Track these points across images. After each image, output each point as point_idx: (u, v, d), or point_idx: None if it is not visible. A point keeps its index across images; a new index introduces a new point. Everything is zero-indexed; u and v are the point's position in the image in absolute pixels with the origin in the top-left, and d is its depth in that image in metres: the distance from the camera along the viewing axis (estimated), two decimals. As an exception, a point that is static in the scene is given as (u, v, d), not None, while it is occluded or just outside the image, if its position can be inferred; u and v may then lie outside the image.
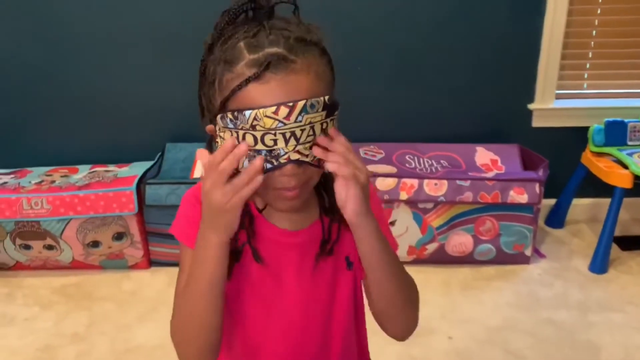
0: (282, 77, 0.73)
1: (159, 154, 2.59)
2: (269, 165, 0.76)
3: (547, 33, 2.51)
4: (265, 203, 0.87)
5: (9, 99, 2.61)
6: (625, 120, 2.47)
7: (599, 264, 2.36)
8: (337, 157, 0.76)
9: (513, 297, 2.22)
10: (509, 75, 2.61)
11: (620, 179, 2.28)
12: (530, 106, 2.63)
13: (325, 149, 0.76)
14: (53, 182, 2.41)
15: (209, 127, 0.82)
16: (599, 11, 2.54)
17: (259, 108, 0.72)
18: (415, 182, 2.28)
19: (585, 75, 2.66)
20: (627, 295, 2.22)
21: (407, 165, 2.44)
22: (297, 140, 0.74)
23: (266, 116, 0.72)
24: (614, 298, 2.20)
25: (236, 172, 0.76)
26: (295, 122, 0.73)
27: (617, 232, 2.40)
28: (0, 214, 2.28)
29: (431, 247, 2.37)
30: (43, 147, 2.68)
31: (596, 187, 2.49)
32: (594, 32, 2.57)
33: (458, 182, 2.27)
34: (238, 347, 0.94)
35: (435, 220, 2.32)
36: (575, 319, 2.07)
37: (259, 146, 0.74)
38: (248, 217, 0.87)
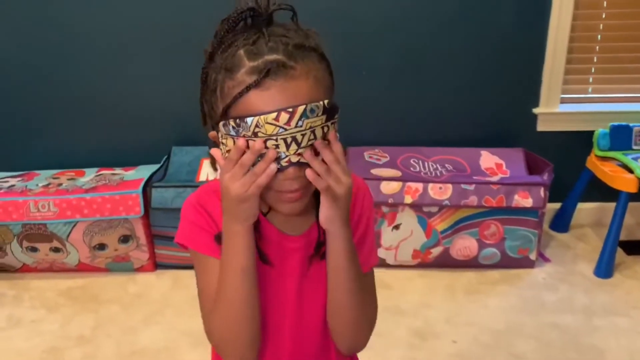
0: (282, 83, 0.74)
1: (165, 157, 2.60)
2: None
3: (552, 37, 2.52)
4: (269, 206, 0.88)
5: (16, 102, 2.63)
6: (631, 124, 2.46)
7: (604, 269, 2.35)
8: (319, 167, 0.77)
9: (518, 301, 2.21)
10: (514, 79, 2.61)
11: (626, 184, 2.28)
12: (535, 110, 2.63)
13: (317, 153, 0.77)
14: (60, 185, 2.42)
15: (212, 133, 0.83)
16: (604, 15, 2.54)
17: (259, 114, 0.73)
18: (420, 185, 2.28)
19: (590, 80, 2.66)
20: (632, 299, 2.21)
21: (411, 169, 2.45)
22: (298, 144, 0.76)
23: (267, 123, 0.74)
24: (619, 302, 2.19)
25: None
26: (295, 127, 0.74)
27: (623, 237, 2.39)
28: (7, 216, 2.29)
29: (436, 251, 2.37)
30: (50, 150, 2.70)
31: (601, 191, 2.49)
32: (599, 36, 2.57)
33: (463, 186, 2.27)
34: None
35: (440, 224, 2.32)
36: (580, 324, 2.07)
37: (262, 151, 0.76)
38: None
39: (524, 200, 2.26)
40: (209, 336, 0.90)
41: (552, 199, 2.44)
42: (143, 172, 2.48)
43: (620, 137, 2.44)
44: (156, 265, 2.47)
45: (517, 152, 2.53)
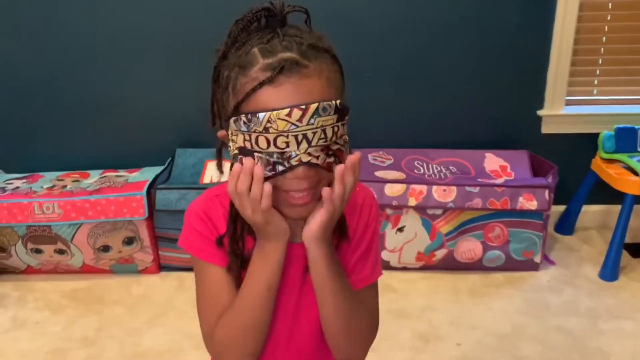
0: (295, 80, 0.74)
1: (169, 159, 2.61)
2: (280, 168, 0.77)
3: (557, 39, 2.51)
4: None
5: (21, 104, 2.64)
6: (636, 126, 2.45)
7: (609, 271, 2.34)
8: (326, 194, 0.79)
9: (522, 304, 2.21)
10: (519, 81, 2.60)
11: (631, 186, 2.27)
12: (540, 112, 2.62)
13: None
14: (64, 186, 2.43)
15: (221, 132, 0.84)
16: (609, 17, 2.53)
17: (272, 111, 0.74)
18: (424, 188, 2.28)
19: (595, 82, 2.65)
20: (637, 302, 2.20)
21: (415, 171, 2.44)
22: (308, 143, 0.76)
23: (279, 118, 0.74)
24: (624, 305, 2.18)
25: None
26: (307, 124, 0.74)
27: (628, 239, 2.38)
28: (12, 218, 2.30)
29: (440, 253, 2.36)
30: (55, 152, 2.71)
31: (606, 193, 2.48)
32: (604, 38, 2.57)
33: (467, 188, 2.27)
34: None
35: (444, 227, 2.32)
36: (585, 327, 2.06)
37: (271, 149, 0.76)
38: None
39: (528, 202, 2.26)
40: (210, 341, 0.91)
41: (556, 202, 2.43)
42: (147, 174, 2.49)
43: (626, 139, 2.44)
44: (160, 267, 2.47)
45: (521, 155, 2.53)
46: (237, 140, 0.78)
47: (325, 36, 0.81)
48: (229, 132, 0.80)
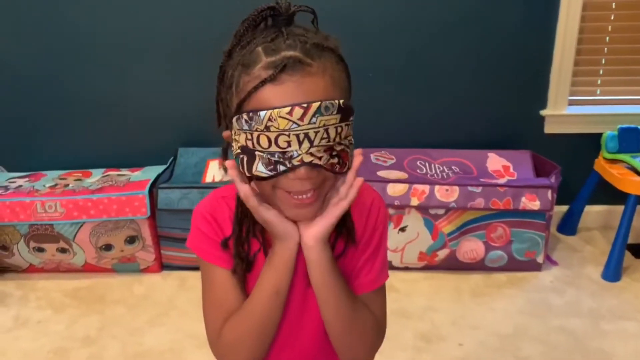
0: (298, 78, 0.74)
1: (172, 158, 2.61)
2: (282, 168, 0.76)
3: (560, 39, 2.50)
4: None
5: (24, 103, 2.64)
6: (639, 127, 2.44)
7: (612, 272, 2.33)
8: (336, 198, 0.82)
9: (524, 304, 2.20)
10: (522, 81, 2.60)
11: (634, 186, 2.26)
12: (543, 112, 2.62)
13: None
14: (67, 185, 2.43)
15: (226, 133, 0.83)
16: (612, 17, 2.53)
17: (273, 109, 0.73)
18: (426, 187, 2.27)
19: (599, 82, 2.64)
20: (640, 303, 2.20)
21: (418, 170, 2.44)
22: (310, 142, 0.74)
23: (280, 117, 0.73)
24: (627, 306, 2.18)
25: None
26: (309, 123, 0.73)
27: (631, 240, 2.37)
28: (14, 217, 2.30)
29: (442, 254, 2.36)
30: (57, 151, 2.71)
31: (609, 194, 2.47)
32: (607, 38, 2.56)
33: (469, 188, 2.26)
34: None
35: (447, 227, 2.31)
36: (588, 327, 2.05)
37: (273, 148, 0.75)
38: (260, 227, 0.88)
39: (531, 202, 2.25)
40: (216, 343, 0.90)
41: (559, 202, 2.42)
42: (149, 173, 2.49)
43: (629, 139, 2.43)
44: (162, 266, 2.47)
45: (524, 155, 2.52)
46: (240, 140, 0.78)
47: (334, 37, 0.80)
48: (232, 132, 0.80)
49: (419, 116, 2.65)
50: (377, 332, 0.94)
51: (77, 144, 2.70)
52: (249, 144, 0.77)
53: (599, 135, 2.49)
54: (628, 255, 2.45)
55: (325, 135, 0.75)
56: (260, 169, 0.77)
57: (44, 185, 2.43)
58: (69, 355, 1.97)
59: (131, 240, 2.39)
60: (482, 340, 2.00)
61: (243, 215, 0.87)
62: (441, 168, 2.46)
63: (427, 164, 2.48)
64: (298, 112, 0.73)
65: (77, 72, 2.59)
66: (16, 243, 2.39)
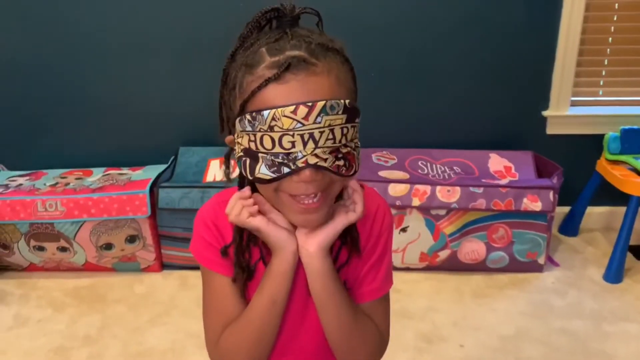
0: (302, 78, 0.72)
1: (173, 157, 2.60)
2: (286, 170, 0.74)
3: (563, 39, 2.50)
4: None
5: (24, 101, 2.64)
6: (642, 128, 2.44)
7: (614, 273, 2.33)
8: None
9: (526, 305, 2.20)
10: (524, 82, 2.59)
11: (636, 188, 2.25)
12: (545, 113, 2.61)
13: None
14: (67, 184, 2.43)
15: (229, 138, 0.82)
16: (615, 18, 2.52)
17: (277, 108, 0.71)
18: (427, 188, 2.27)
19: (601, 82, 2.63)
20: (642, 305, 2.19)
21: (419, 171, 2.43)
22: (315, 143, 0.73)
23: (284, 116, 0.71)
24: (628, 308, 2.17)
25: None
26: (314, 123, 0.72)
27: (633, 241, 2.37)
28: (15, 215, 2.30)
29: (443, 254, 2.35)
30: (58, 150, 2.70)
31: (611, 195, 2.47)
32: (610, 38, 2.55)
33: (471, 188, 2.26)
34: None
35: (448, 227, 2.31)
36: (589, 329, 2.04)
37: (277, 149, 0.73)
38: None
39: (533, 203, 2.25)
40: (214, 349, 0.90)
41: (561, 203, 2.42)
42: (150, 173, 2.48)
43: (631, 140, 2.42)
44: (163, 265, 2.47)
45: (526, 155, 2.51)
46: (242, 142, 0.76)
47: (340, 40, 0.79)
48: (235, 135, 0.78)
49: (420, 116, 2.65)
50: (379, 342, 0.92)
51: (78, 142, 2.70)
52: (252, 145, 0.75)
53: (601, 136, 2.49)
54: (630, 257, 2.44)
55: (330, 136, 0.73)
56: (263, 171, 0.75)
57: (45, 184, 2.43)
58: (70, 355, 1.96)
59: (132, 239, 2.38)
60: (483, 341, 1.99)
61: None
62: (443, 168, 2.45)
63: (428, 165, 2.47)
64: (302, 110, 0.71)
65: (78, 70, 2.58)
66: (17, 242, 2.39)
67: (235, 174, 0.87)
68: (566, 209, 2.71)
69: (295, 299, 0.89)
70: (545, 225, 2.31)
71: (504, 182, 2.33)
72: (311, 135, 0.72)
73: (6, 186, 2.43)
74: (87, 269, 2.45)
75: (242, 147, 0.77)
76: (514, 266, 2.37)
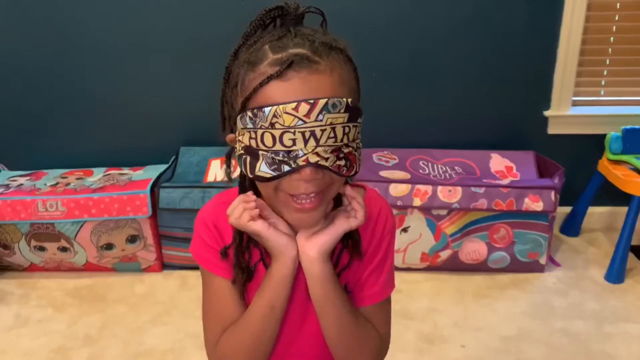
0: (305, 75, 0.72)
1: (173, 157, 2.60)
2: (286, 168, 0.74)
3: (564, 39, 2.49)
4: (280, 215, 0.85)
5: (25, 101, 2.64)
6: (643, 127, 2.44)
7: (615, 274, 2.32)
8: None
9: (527, 306, 2.19)
10: (525, 82, 2.58)
11: (638, 187, 2.25)
12: (546, 113, 2.61)
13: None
14: (68, 184, 2.42)
15: (230, 136, 0.82)
16: (616, 17, 2.51)
17: (279, 105, 0.71)
18: (429, 188, 2.27)
19: (603, 82, 2.63)
20: (644, 305, 2.19)
21: (420, 171, 2.43)
22: (316, 141, 0.72)
23: (286, 113, 0.71)
24: (630, 308, 2.16)
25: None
26: (315, 120, 0.71)
27: (634, 242, 2.37)
28: (15, 215, 2.30)
29: (444, 254, 2.35)
30: (58, 150, 2.70)
31: (613, 195, 2.46)
32: (612, 38, 2.55)
33: (472, 188, 2.25)
34: None
35: (449, 227, 2.30)
36: (591, 330, 2.04)
37: (277, 146, 0.73)
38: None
39: (534, 203, 2.24)
40: (213, 351, 0.90)
41: (562, 203, 2.41)
42: (151, 172, 2.48)
43: (633, 140, 2.42)
44: (163, 265, 2.46)
45: (527, 155, 2.51)
46: (243, 140, 0.76)
47: (343, 40, 0.79)
48: (237, 133, 0.78)
49: (421, 116, 2.64)
50: (379, 346, 0.92)
51: (78, 142, 2.70)
52: (253, 143, 0.74)
53: (603, 136, 2.48)
54: (632, 257, 2.43)
55: (332, 135, 0.73)
56: (263, 169, 0.75)
57: (45, 184, 2.43)
58: (70, 355, 1.96)
59: (132, 239, 2.38)
60: (484, 342, 1.99)
61: None
62: (444, 168, 2.45)
63: (429, 165, 2.47)
64: (304, 108, 0.70)
65: (79, 70, 2.58)
66: (17, 242, 2.39)
67: (236, 173, 0.86)
68: (567, 209, 2.70)
69: (295, 303, 0.89)
70: (546, 226, 2.30)
71: (505, 182, 2.33)
72: (312, 133, 0.72)
73: (7, 186, 2.43)
74: (87, 269, 2.45)
75: (242, 145, 0.77)
76: (515, 266, 2.37)
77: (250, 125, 0.74)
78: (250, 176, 0.77)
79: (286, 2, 0.77)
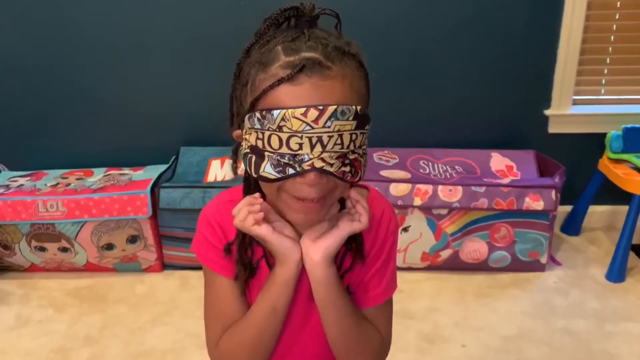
0: (316, 80, 0.71)
1: (174, 157, 2.60)
2: (291, 171, 0.74)
3: (565, 38, 2.49)
4: (281, 215, 0.85)
5: (25, 101, 2.63)
6: (644, 126, 2.44)
7: (616, 273, 2.32)
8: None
9: (528, 305, 2.19)
10: (526, 81, 2.58)
11: (638, 186, 2.25)
12: (547, 112, 2.60)
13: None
14: (68, 184, 2.42)
15: (236, 132, 0.82)
16: (617, 16, 2.51)
17: (288, 109, 0.71)
18: (429, 187, 2.26)
19: (603, 81, 2.62)
20: (645, 304, 2.18)
21: (421, 170, 2.43)
22: (323, 147, 0.72)
23: (294, 117, 0.70)
24: (631, 307, 2.16)
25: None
26: (323, 127, 0.71)
27: (635, 240, 2.36)
28: (16, 216, 2.30)
29: (445, 254, 2.35)
30: (59, 150, 2.70)
31: (613, 194, 2.46)
32: (612, 37, 2.54)
33: (473, 188, 2.25)
34: None
35: (450, 227, 2.30)
36: (592, 329, 2.04)
37: (283, 149, 0.73)
38: None
39: (535, 202, 2.24)
40: (214, 350, 0.90)
41: (563, 202, 2.41)
42: (151, 173, 2.48)
43: (633, 139, 2.42)
44: (164, 265, 2.46)
45: (528, 154, 2.50)
46: (250, 139, 0.76)
47: (357, 43, 0.78)
48: (244, 131, 0.78)
49: (422, 116, 2.64)
50: (381, 347, 0.92)
51: (78, 143, 2.70)
52: (259, 143, 0.74)
53: (603, 135, 2.48)
54: (632, 256, 2.43)
55: (339, 141, 0.72)
56: (268, 170, 0.75)
57: (46, 185, 2.43)
58: (70, 355, 1.96)
59: (133, 239, 2.38)
60: (485, 341, 1.99)
61: None
62: (444, 168, 2.45)
63: (430, 164, 2.47)
64: (313, 114, 0.70)
65: (79, 70, 2.58)
66: (18, 242, 2.39)
67: (241, 169, 0.86)
68: (568, 208, 2.70)
69: (298, 304, 0.89)
70: (547, 225, 2.30)
71: (505, 181, 2.33)
72: (319, 139, 0.72)
73: (7, 187, 2.43)
74: (88, 270, 2.45)
75: (249, 144, 0.77)
76: (516, 266, 2.37)
77: (257, 126, 0.73)
78: (255, 176, 0.77)
79: (302, 3, 0.76)
